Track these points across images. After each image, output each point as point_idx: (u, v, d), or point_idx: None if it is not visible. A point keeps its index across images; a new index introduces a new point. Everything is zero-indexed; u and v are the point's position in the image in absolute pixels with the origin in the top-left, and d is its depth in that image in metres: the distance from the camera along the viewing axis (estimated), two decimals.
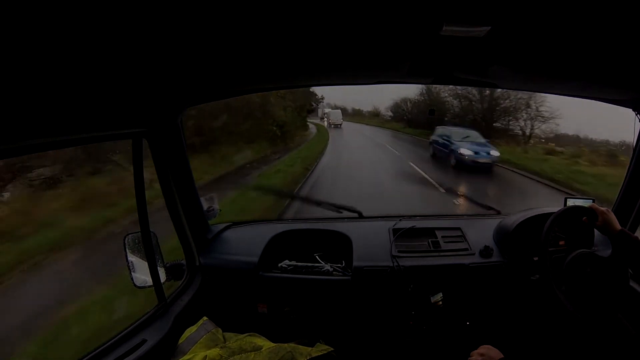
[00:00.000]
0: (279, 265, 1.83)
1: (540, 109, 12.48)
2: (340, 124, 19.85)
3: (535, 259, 1.62)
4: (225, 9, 0.73)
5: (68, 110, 0.97)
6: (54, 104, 0.92)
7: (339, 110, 21.02)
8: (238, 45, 0.97)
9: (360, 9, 0.78)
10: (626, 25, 0.82)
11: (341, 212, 2.10)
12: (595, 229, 1.46)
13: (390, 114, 21.72)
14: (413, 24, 0.88)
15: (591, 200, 1.73)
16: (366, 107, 25.12)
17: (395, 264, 1.71)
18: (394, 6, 0.77)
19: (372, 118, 23.78)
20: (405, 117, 19.29)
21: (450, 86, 12.68)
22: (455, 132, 10.10)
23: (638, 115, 1.65)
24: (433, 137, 11.00)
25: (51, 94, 0.90)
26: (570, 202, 1.81)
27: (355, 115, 24.86)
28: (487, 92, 13.89)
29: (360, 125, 21.95)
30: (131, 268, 1.39)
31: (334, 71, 1.44)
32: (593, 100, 1.70)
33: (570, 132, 12.43)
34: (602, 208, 1.41)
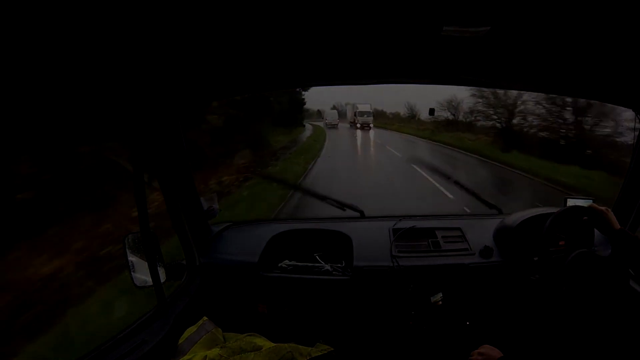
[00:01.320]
0: (279, 265, 1.83)
1: None
2: (337, 124, 19.43)
3: (535, 259, 1.62)
4: (225, 11, 0.73)
5: (69, 110, 0.97)
6: (56, 105, 0.92)
7: (335, 111, 21.18)
8: (237, 46, 0.97)
9: (360, 10, 0.78)
10: (626, 25, 0.82)
11: (344, 210, 2.09)
12: (595, 229, 1.46)
13: (448, 115, 11.83)
14: (413, 25, 0.88)
15: (591, 200, 1.73)
16: (389, 108, 20.53)
17: (395, 264, 1.70)
18: (394, 7, 0.77)
19: (405, 123, 17.12)
20: (503, 126, 9.27)
21: None
22: None
23: (638, 115, 1.65)
24: None
25: (53, 95, 0.90)
26: (571, 202, 1.81)
27: (377, 117, 18.91)
28: None
29: (391, 135, 13.82)
30: (131, 268, 1.39)
31: (334, 71, 1.44)
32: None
33: None
34: (601, 207, 1.41)
